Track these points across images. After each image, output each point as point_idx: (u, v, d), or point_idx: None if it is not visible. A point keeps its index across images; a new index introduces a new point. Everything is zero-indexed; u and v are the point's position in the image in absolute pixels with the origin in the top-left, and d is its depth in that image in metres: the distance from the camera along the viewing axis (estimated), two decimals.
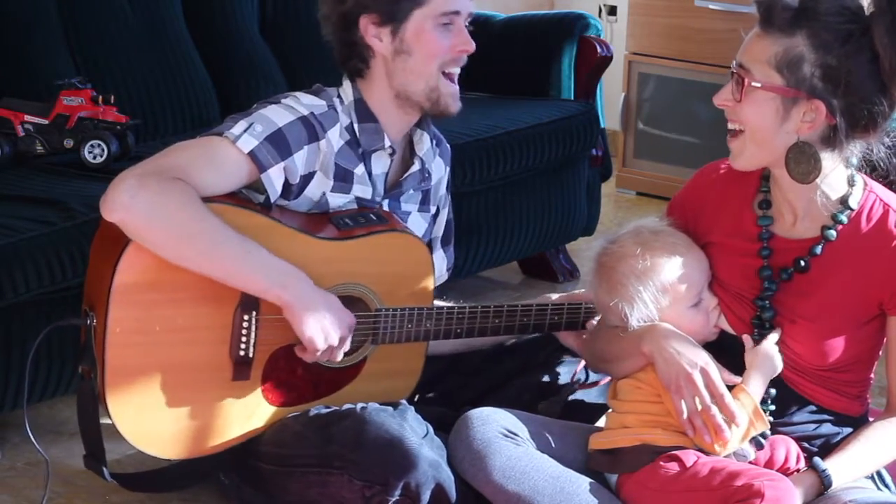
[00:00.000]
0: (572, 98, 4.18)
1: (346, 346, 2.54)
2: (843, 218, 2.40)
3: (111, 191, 2.40)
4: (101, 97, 3.41)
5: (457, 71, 2.66)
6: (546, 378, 2.82)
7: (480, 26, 4.23)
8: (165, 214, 2.38)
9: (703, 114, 4.69)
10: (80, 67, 3.61)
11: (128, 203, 2.38)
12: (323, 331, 2.47)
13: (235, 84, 3.89)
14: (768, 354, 2.41)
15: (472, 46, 2.65)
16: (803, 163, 2.33)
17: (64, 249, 2.85)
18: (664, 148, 5.15)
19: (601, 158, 4.19)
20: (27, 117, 3.37)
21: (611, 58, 4.22)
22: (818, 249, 2.40)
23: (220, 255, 2.42)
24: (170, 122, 3.75)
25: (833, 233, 2.40)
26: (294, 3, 4.08)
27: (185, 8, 3.91)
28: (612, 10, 5.61)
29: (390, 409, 2.50)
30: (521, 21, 4.34)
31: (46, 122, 3.36)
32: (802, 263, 2.40)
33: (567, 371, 2.83)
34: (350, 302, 2.58)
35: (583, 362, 2.77)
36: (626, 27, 5.23)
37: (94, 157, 3.35)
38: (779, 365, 2.41)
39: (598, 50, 4.16)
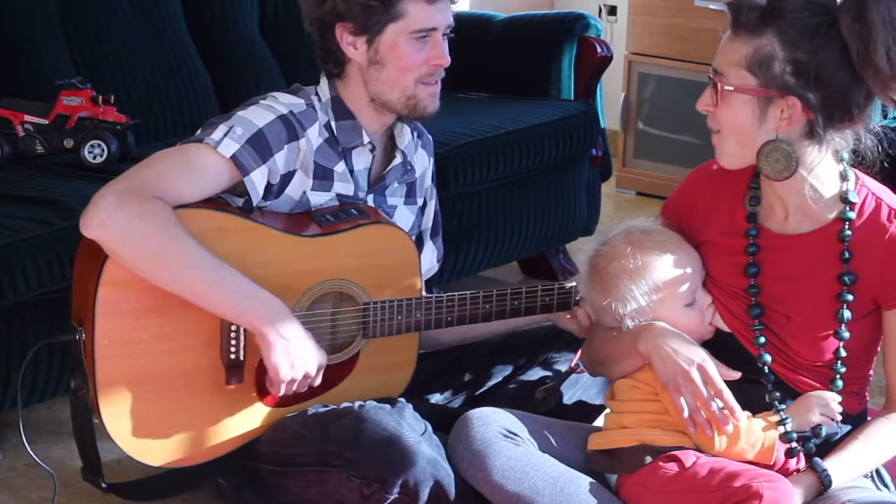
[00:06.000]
0: (572, 98, 4.18)
1: (317, 381, 2.52)
2: (852, 215, 2.40)
3: (90, 208, 2.40)
4: (101, 97, 3.41)
5: (435, 80, 2.64)
6: (545, 374, 2.82)
7: (480, 26, 4.29)
8: (141, 235, 2.39)
9: (703, 114, 4.68)
10: (80, 67, 3.62)
11: (105, 221, 2.38)
12: (289, 361, 2.46)
13: (235, 84, 3.89)
14: (813, 405, 2.40)
15: (446, 61, 2.64)
16: (778, 160, 2.34)
17: (64, 249, 2.84)
18: (664, 148, 5.15)
19: (601, 158, 4.19)
20: (27, 117, 3.37)
21: (611, 58, 4.22)
22: (846, 256, 2.40)
23: (193, 280, 2.42)
24: (170, 122, 3.75)
25: (849, 233, 2.40)
26: (294, 3, 4.07)
27: (185, 8, 3.91)
28: (612, 10, 5.61)
29: (388, 406, 2.50)
30: (521, 21, 4.34)
31: (46, 122, 3.37)
32: (847, 279, 2.39)
33: (564, 362, 2.83)
34: (338, 298, 2.58)
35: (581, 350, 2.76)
36: (626, 27, 5.23)
37: (94, 157, 3.35)
38: (814, 420, 2.40)
39: (598, 50, 4.17)
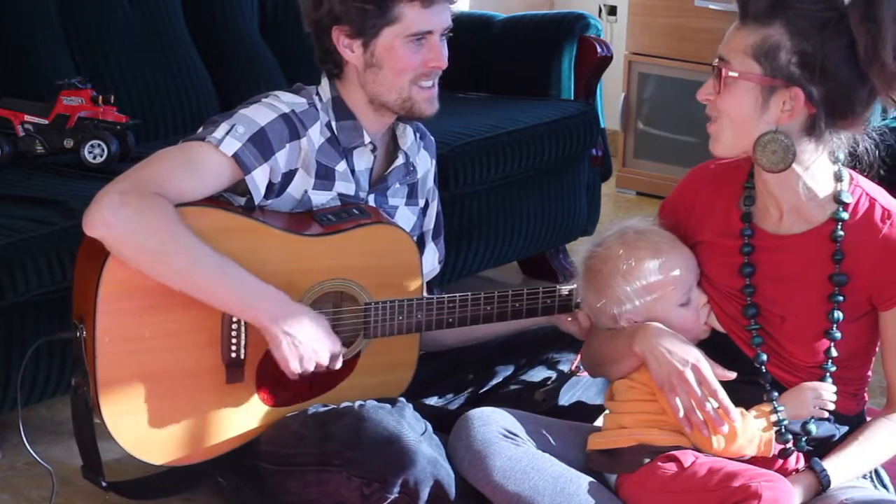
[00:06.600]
0: (572, 98, 4.18)
1: (336, 365, 2.52)
2: (845, 215, 2.40)
3: (93, 206, 2.40)
4: (101, 97, 3.41)
5: (430, 83, 2.65)
6: (546, 375, 2.83)
7: (480, 26, 4.29)
8: (143, 233, 2.39)
9: (703, 114, 4.69)
10: (80, 67, 3.62)
11: (108, 220, 2.38)
12: (296, 354, 2.46)
13: (235, 84, 3.89)
14: (808, 396, 2.40)
15: (443, 63, 2.64)
16: (775, 152, 2.33)
17: (64, 249, 2.84)
18: (664, 148, 5.15)
19: (601, 158, 4.20)
20: (27, 117, 3.37)
21: (611, 58, 4.23)
22: (839, 257, 2.40)
23: (196, 275, 2.42)
24: (170, 122, 3.75)
25: (842, 233, 2.40)
26: (294, 2, 4.07)
27: (185, 8, 3.91)
28: (612, 10, 5.61)
29: (388, 406, 2.50)
30: (521, 21, 4.34)
31: (46, 122, 3.37)
32: (840, 279, 2.40)
33: (566, 362, 2.83)
34: (339, 298, 2.58)
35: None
36: (626, 27, 5.24)
37: (94, 157, 3.35)
38: (806, 412, 2.41)
39: (598, 50, 4.17)
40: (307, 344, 2.47)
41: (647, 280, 2.46)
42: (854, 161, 2.40)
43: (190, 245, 2.41)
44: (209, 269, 2.43)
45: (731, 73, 2.34)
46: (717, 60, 2.37)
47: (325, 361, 2.50)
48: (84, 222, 2.41)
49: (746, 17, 2.33)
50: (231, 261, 2.44)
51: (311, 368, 2.49)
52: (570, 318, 2.73)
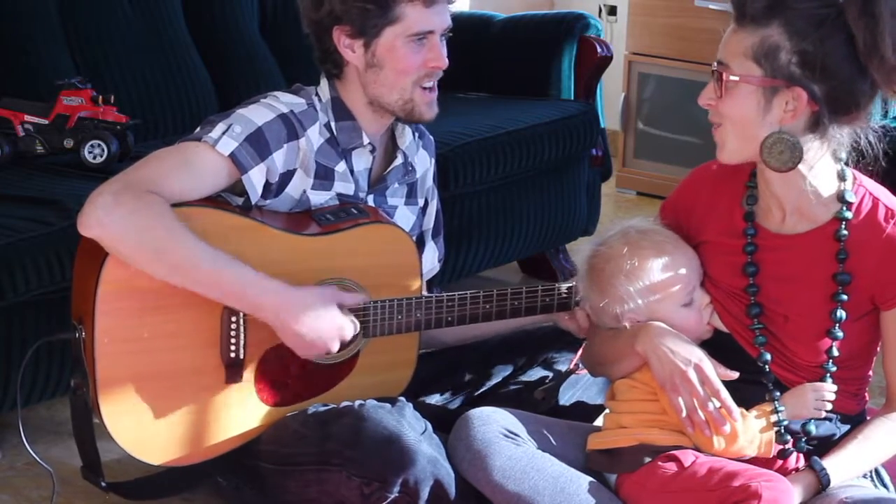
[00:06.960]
0: (572, 98, 4.18)
1: (349, 334, 2.53)
2: (849, 214, 2.40)
3: (87, 207, 2.40)
4: (101, 97, 3.41)
5: (432, 84, 2.65)
6: (545, 374, 2.83)
7: (480, 26, 4.30)
8: (139, 231, 2.39)
9: (703, 114, 4.68)
10: (80, 67, 3.62)
11: (103, 220, 2.38)
12: (303, 343, 2.47)
13: (235, 84, 3.89)
14: (809, 397, 2.40)
15: (444, 63, 2.64)
16: (782, 152, 2.32)
17: (64, 249, 2.84)
18: (664, 148, 5.15)
19: (601, 158, 4.20)
20: (27, 117, 3.37)
21: (611, 58, 4.23)
22: (842, 255, 2.40)
23: (195, 271, 2.42)
24: (170, 122, 3.75)
25: (846, 232, 2.40)
26: (294, 3, 4.05)
27: (185, 8, 3.91)
28: (612, 10, 5.62)
29: (388, 405, 2.50)
30: (521, 21, 4.35)
31: (46, 122, 3.37)
32: (843, 279, 2.39)
33: (565, 362, 2.83)
34: None
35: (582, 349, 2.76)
36: (626, 27, 5.24)
37: (94, 157, 3.35)
38: (807, 412, 2.41)
39: (598, 50, 4.17)
40: (314, 330, 2.46)
41: (650, 280, 2.46)
42: (858, 156, 2.40)
43: (187, 241, 2.41)
44: (208, 264, 2.42)
45: (731, 77, 2.33)
46: (716, 64, 2.36)
47: (335, 347, 2.49)
48: (79, 223, 2.41)
49: (743, 19, 2.33)
50: (226, 254, 2.44)
51: (323, 353, 2.49)
52: (568, 316, 2.73)
